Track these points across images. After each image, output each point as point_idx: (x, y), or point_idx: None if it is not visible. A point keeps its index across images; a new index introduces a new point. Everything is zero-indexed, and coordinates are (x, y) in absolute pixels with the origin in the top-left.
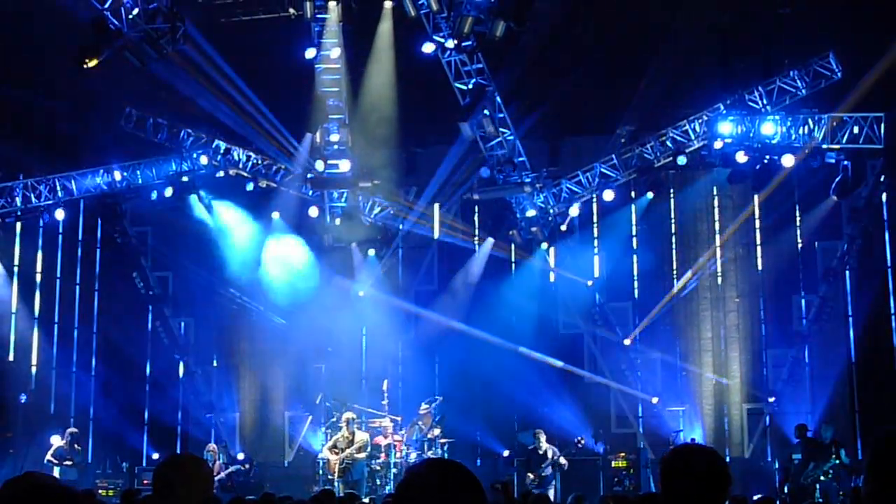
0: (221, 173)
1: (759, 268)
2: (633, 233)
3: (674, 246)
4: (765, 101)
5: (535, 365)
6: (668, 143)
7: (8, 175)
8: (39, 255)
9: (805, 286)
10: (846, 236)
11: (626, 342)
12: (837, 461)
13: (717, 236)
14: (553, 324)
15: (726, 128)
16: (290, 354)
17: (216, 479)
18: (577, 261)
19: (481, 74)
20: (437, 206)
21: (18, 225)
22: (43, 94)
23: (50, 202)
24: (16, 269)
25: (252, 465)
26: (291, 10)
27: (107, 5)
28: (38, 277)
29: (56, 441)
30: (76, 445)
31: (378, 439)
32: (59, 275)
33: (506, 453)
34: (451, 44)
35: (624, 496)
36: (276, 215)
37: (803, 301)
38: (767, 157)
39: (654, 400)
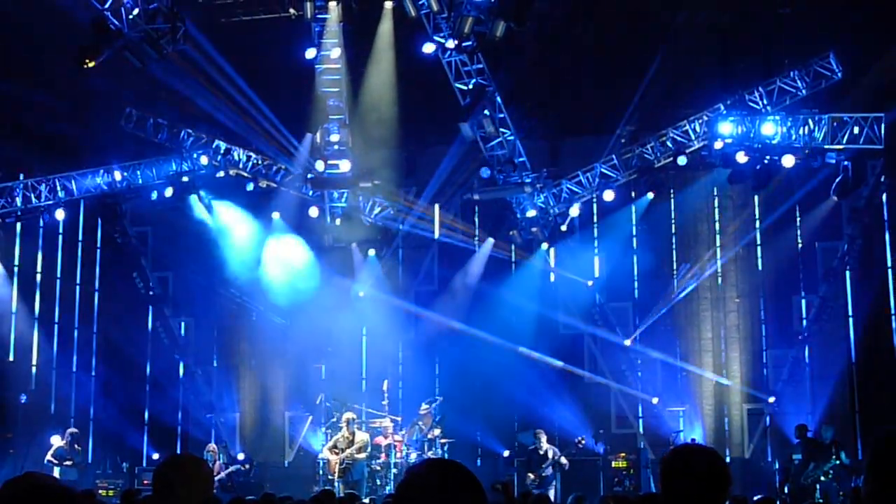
0: (221, 173)
1: (760, 268)
2: (634, 233)
3: (674, 246)
4: (765, 102)
5: (536, 365)
6: (669, 143)
7: (8, 175)
8: (39, 255)
9: (805, 286)
10: (846, 236)
11: (627, 342)
12: (838, 461)
13: (718, 237)
14: (553, 324)
15: (726, 128)
16: (290, 354)
17: (216, 479)
18: (578, 261)
19: (481, 75)
20: (437, 206)
21: (18, 225)
22: (43, 94)
23: (50, 202)
24: (16, 269)
25: (252, 466)
26: (292, 11)
27: (107, 5)
28: (39, 277)
29: (56, 441)
30: (76, 446)
31: (378, 439)
32: (59, 275)
33: (506, 453)
34: (451, 44)
35: (624, 496)
36: (276, 215)
37: (803, 301)
38: (768, 157)
39: (655, 400)
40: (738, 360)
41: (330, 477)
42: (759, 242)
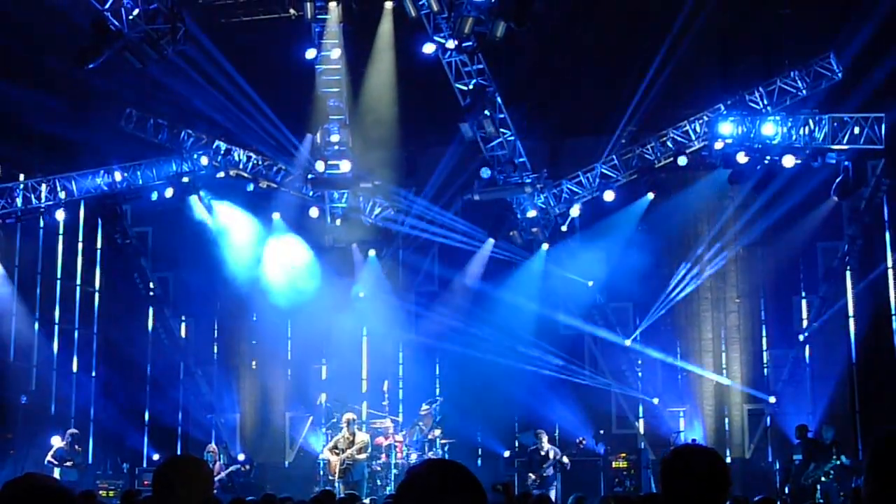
0: (222, 174)
1: (760, 268)
2: (634, 233)
3: (674, 246)
4: (765, 102)
5: (536, 365)
6: (669, 143)
7: (8, 175)
8: (40, 255)
9: (806, 287)
10: (847, 237)
11: (627, 342)
12: (838, 462)
13: (718, 237)
14: (553, 324)
15: (727, 128)
16: (290, 355)
17: (216, 479)
18: (578, 261)
19: (482, 75)
20: (437, 206)
21: (19, 225)
22: (43, 94)
23: (50, 203)
24: (16, 269)
25: (252, 466)
26: (292, 11)
27: (107, 6)
28: (39, 278)
29: (56, 442)
30: (76, 446)
31: (379, 440)
32: (59, 275)
33: (506, 454)
34: (451, 44)
35: (625, 497)
36: (276, 216)
37: (804, 302)
38: (768, 157)
39: (655, 400)
40: (739, 360)
41: (330, 477)
42: (759, 243)
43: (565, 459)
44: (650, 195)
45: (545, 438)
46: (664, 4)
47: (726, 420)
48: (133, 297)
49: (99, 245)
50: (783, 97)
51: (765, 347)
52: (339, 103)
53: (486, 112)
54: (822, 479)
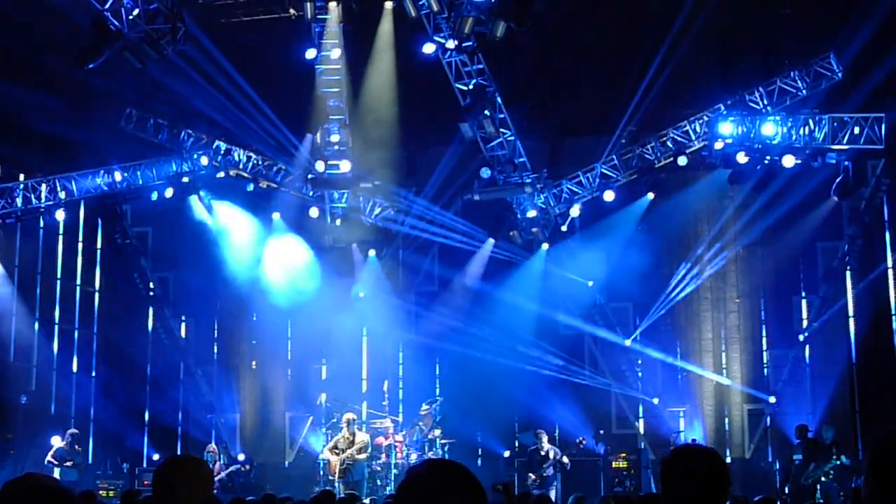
0: (222, 174)
1: (760, 268)
2: (634, 233)
3: (674, 246)
4: (765, 102)
5: (536, 365)
6: (669, 143)
7: (8, 175)
8: (40, 255)
9: (806, 287)
10: (847, 237)
11: (627, 343)
12: (838, 462)
13: (718, 237)
14: (553, 324)
15: (727, 128)
16: (290, 355)
17: (216, 479)
18: (578, 261)
19: (482, 75)
20: (437, 206)
21: (19, 225)
22: (43, 94)
23: (50, 203)
24: (16, 269)
25: (252, 466)
26: (292, 11)
27: (107, 6)
28: (39, 278)
29: (56, 442)
30: (76, 446)
31: (379, 440)
32: (59, 275)
33: (506, 454)
34: (451, 44)
35: (625, 497)
36: (276, 216)
37: (804, 302)
38: (768, 157)
39: (655, 400)
40: (739, 360)
41: (330, 477)
42: (759, 243)
43: (565, 459)
44: (650, 195)
45: (545, 438)
46: (664, 4)
47: (726, 420)
48: (133, 297)
49: (99, 245)
50: (783, 97)
51: (765, 347)
52: (339, 103)
53: (486, 112)
54: (822, 479)
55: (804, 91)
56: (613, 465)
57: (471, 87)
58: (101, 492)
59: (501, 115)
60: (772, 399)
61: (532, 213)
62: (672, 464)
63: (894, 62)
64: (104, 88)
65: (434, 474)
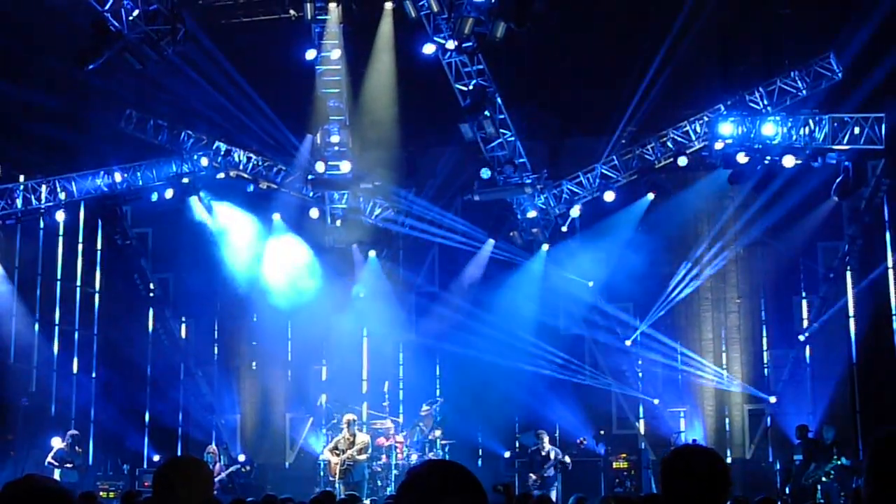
0: (222, 175)
1: (760, 268)
2: (634, 234)
3: (674, 247)
4: (765, 102)
5: (536, 366)
6: (669, 143)
7: (8, 176)
8: (40, 256)
9: (806, 287)
10: (847, 237)
11: (627, 343)
12: (839, 462)
13: (718, 237)
14: (554, 325)
15: (727, 128)
16: (291, 355)
17: (216, 480)
18: (578, 262)
19: (482, 75)
20: (437, 207)
21: (19, 226)
22: (43, 95)
23: (50, 204)
24: (16, 270)
25: (253, 467)
26: (292, 12)
27: (107, 7)
28: (39, 279)
29: (57, 443)
30: (77, 447)
31: (379, 441)
32: (59, 276)
33: (507, 454)
34: (451, 45)
35: (625, 497)
36: (276, 217)
37: (804, 302)
38: (768, 157)
39: (656, 401)
40: (739, 360)
41: (331, 478)
42: (759, 243)
43: (567, 459)
44: (650, 195)
45: (546, 439)
46: (664, 4)
47: (727, 420)
48: (133, 298)
49: (99, 246)
50: (783, 97)
51: (765, 347)
52: (339, 104)
53: (487, 112)
54: (823, 479)
55: (804, 91)
56: (614, 466)
57: (471, 87)
58: (101, 493)
59: (501, 116)
60: (772, 399)
61: (532, 214)
62: (672, 464)
63: (894, 62)
64: (104, 89)
65: (434, 475)
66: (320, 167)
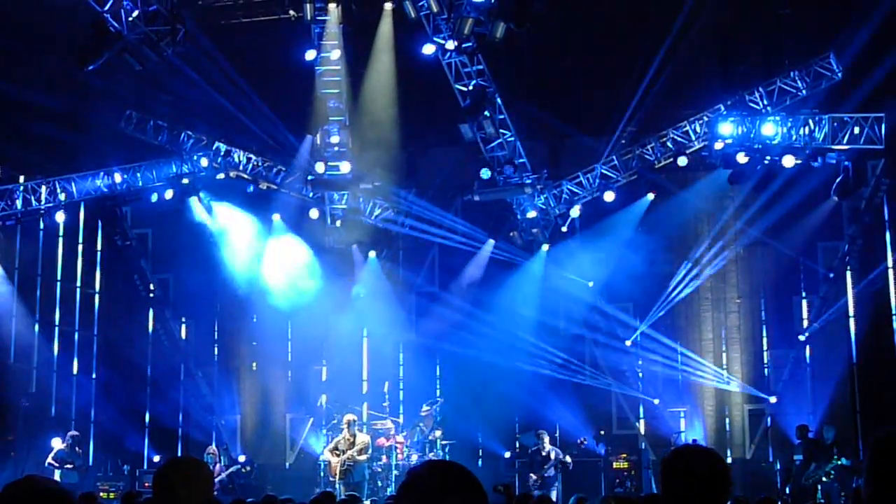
0: (222, 175)
1: (760, 268)
2: (634, 234)
3: (674, 247)
4: (765, 102)
5: (536, 366)
6: (669, 143)
7: (8, 177)
8: (40, 257)
9: (806, 287)
10: (847, 237)
11: (627, 343)
12: (839, 462)
13: (718, 237)
14: (554, 325)
15: (727, 128)
16: (291, 356)
17: (217, 480)
18: (578, 262)
19: (482, 76)
20: (437, 207)
21: (19, 227)
22: (43, 95)
23: (50, 204)
24: (16, 271)
25: (253, 468)
26: (291, 12)
27: (107, 7)
28: (39, 280)
29: (57, 444)
30: (77, 448)
31: (380, 441)
32: (59, 277)
33: (507, 455)
34: (451, 45)
35: (625, 497)
36: (276, 217)
37: (804, 302)
38: (768, 157)
39: (656, 401)
40: (739, 360)
41: (331, 479)
42: (759, 243)
43: (568, 459)
44: (650, 195)
45: (546, 439)
46: (664, 4)
47: (727, 420)
48: (133, 298)
49: (99, 247)
50: (783, 97)
51: (765, 347)
52: (339, 104)
53: (486, 113)
54: (823, 479)
55: (804, 91)
56: (614, 466)
57: (470, 87)
58: (101, 493)
59: (501, 116)
60: (772, 399)
61: (532, 214)
62: (672, 464)
63: (894, 62)
64: (104, 89)
65: (435, 475)
66: (320, 168)
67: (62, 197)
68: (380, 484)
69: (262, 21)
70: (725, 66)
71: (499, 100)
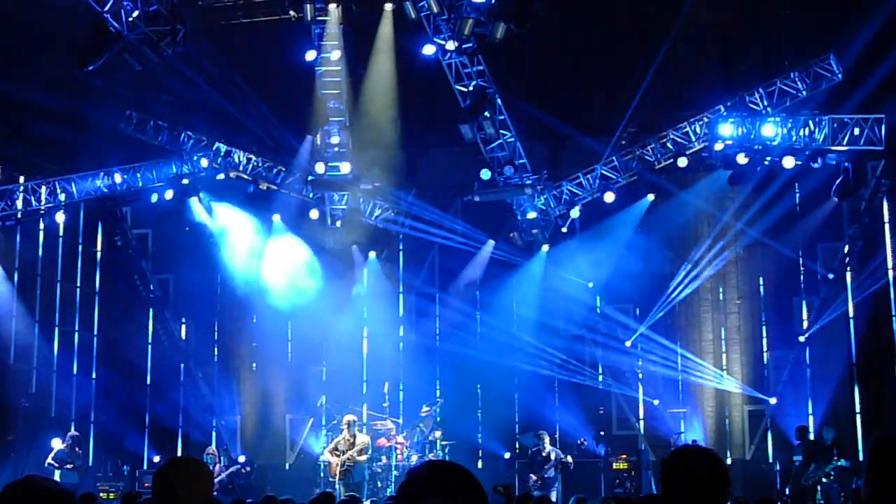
0: (222, 176)
1: (760, 269)
2: (634, 234)
3: (674, 247)
4: (765, 103)
5: (536, 366)
6: (669, 144)
7: (8, 178)
8: (40, 257)
9: (806, 288)
10: (847, 238)
11: (628, 344)
12: (839, 463)
13: (718, 238)
14: (554, 326)
15: (727, 129)
16: (291, 356)
17: (216, 480)
18: (578, 263)
19: (482, 76)
20: (437, 208)
21: (19, 228)
22: (43, 96)
23: (50, 205)
24: (16, 271)
25: (253, 468)
26: (292, 13)
27: (107, 7)
28: (39, 280)
29: (57, 444)
30: (77, 449)
31: (380, 442)
32: (59, 277)
33: (507, 455)
34: (451, 46)
35: (625, 498)
36: (276, 217)
37: (804, 303)
38: (768, 158)
39: (656, 402)
40: (739, 361)
41: (331, 479)
42: (759, 243)
43: (569, 459)
44: (650, 196)
45: (547, 440)
46: (664, 4)
47: (727, 421)
48: (133, 299)
49: (99, 247)
50: (783, 98)
51: (765, 348)
52: (339, 105)
53: (486, 113)
54: (823, 480)
55: (804, 92)
56: (614, 467)
57: (471, 88)
58: (101, 494)
59: (501, 117)
60: (772, 400)
61: (532, 215)
62: (672, 465)
63: (894, 63)
64: (104, 89)
65: (434, 475)
66: (320, 168)
67: (62, 197)
68: (380, 484)
69: (263, 21)
70: (725, 67)
71: (499, 100)
